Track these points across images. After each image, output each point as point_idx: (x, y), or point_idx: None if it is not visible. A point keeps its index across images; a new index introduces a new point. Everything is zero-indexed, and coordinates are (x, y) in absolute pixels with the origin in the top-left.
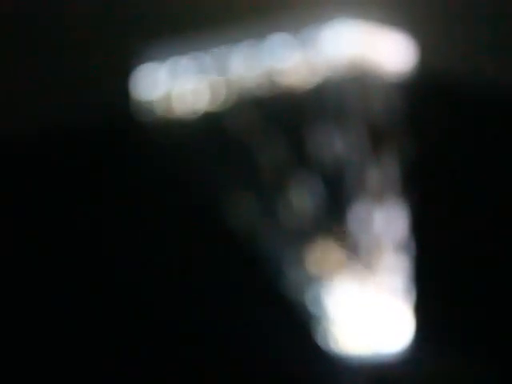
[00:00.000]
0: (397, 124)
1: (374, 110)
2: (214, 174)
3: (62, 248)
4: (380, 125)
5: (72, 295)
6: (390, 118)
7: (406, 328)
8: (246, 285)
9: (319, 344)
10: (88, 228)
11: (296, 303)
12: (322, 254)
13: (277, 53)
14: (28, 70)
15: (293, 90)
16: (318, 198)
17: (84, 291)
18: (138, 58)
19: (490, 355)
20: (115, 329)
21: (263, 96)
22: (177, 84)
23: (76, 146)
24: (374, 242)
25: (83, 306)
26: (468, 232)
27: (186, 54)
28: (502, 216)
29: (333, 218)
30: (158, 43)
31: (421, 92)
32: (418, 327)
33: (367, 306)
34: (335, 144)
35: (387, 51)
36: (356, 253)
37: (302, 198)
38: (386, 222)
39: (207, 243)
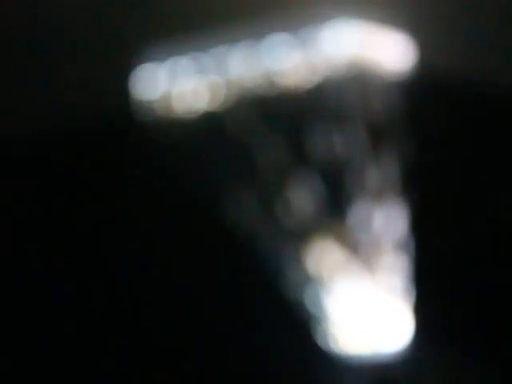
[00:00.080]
0: (396, 123)
1: (373, 109)
2: (214, 173)
3: (62, 248)
4: (380, 124)
5: (72, 295)
6: (389, 118)
7: (405, 328)
8: (245, 285)
9: (319, 344)
10: (88, 228)
11: (295, 303)
12: (321, 254)
13: (276, 53)
14: (28, 70)
15: (292, 90)
16: (317, 198)
17: (84, 291)
18: (138, 58)
19: (490, 355)
20: (115, 329)
21: (263, 96)
22: (176, 84)
23: (76, 146)
24: (374, 242)
25: (83, 306)
26: (468, 232)
27: (185, 54)
28: (502, 216)
29: (332, 217)
30: (158, 43)
31: (420, 92)
32: (417, 327)
33: (367, 305)
34: (335, 143)
35: (387, 51)
36: (356, 252)
37: (302, 198)
38: (386, 222)
39: (207, 243)
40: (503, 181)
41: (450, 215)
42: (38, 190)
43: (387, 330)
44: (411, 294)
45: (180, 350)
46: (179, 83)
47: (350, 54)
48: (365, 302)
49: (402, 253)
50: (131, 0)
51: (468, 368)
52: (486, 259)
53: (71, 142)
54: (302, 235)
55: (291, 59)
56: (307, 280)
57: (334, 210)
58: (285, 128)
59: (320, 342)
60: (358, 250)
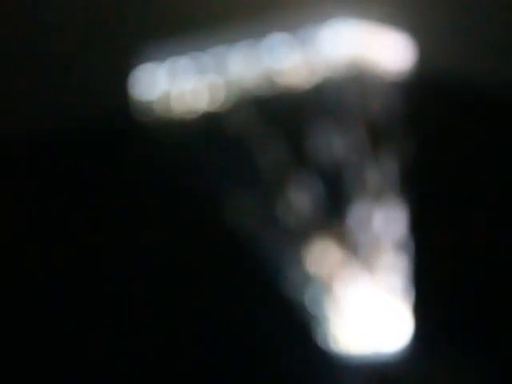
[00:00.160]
0: (396, 123)
1: (373, 109)
2: (214, 173)
3: (62, 248)
4: (379, 124)
5: (72, 295)
6: (389, 118)
7: (405, 327)
8: (245, 285)
9: (319, 343)
10: (88, 228)
11: (295, 303)
12: (321, 254)
13: (276, 52)
14: (28, 70)
15: (292, 90)
16: (317, 198)
17: (84, 291)
18: (138, 58)
19: (490, 355)
20: (115, 329)
21: (262, 96)
22: (176, 84)
23: (76, 146)
24: (374, 242)
25: (83, 306)
26: (467, 232)
27: (185, 53)
28: (502, 216)
29: (332, 217)
30: (157, 43)
31: (420, 91)
32: (417, 327)
33: (366, 305)
34: (334, 143)
35: (386, 50)
36: (355, 252)
37: (302, 198)
38: (385, 222)
39: (207, 243)
40: (503, 181)
41: (450, 215)
42: (38, 189)
43: (387, 329)
44: (411, 294)
45: (180, 350)
46: (179, 83)
47: (349, 53)
48: (365, 302)
49: (401, 253)
50: (131, 0)
51: (468, 368)
52: (485, 259)
53: (71, 142)
54: (301, 235)
55: (291, 59)
56: (307, 280)
57: (334, 210)
58: (284, 128)
59: (320, 341)
60: (358, 250)
